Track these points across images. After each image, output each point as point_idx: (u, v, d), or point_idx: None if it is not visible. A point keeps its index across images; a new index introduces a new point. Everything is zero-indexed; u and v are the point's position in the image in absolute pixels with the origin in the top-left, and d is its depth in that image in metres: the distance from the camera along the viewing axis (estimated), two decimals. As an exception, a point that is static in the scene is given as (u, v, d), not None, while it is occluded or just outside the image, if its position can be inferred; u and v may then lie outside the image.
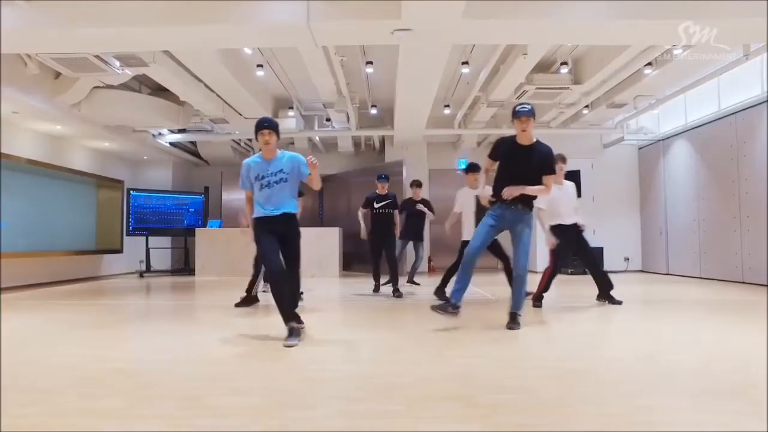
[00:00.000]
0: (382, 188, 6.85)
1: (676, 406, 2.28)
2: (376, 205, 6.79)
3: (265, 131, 3.88)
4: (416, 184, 7.67)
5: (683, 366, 2.96)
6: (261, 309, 5.42)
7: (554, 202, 5.53)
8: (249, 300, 5.60)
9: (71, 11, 5.00)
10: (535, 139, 4.13)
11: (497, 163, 4.24)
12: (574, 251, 5.81)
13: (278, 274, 3.66)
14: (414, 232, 7.76)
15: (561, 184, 5.61)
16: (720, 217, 8.57)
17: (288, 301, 3.68)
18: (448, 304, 3.97)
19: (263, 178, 3.84)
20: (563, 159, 5.69)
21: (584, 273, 10.32)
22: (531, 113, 4.03)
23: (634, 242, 11.01)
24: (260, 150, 3.98)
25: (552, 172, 4.15)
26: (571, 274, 9.58)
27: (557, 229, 5.60)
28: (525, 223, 4.11)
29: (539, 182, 4.10)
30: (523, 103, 4.13)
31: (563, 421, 2.10)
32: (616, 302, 5.55)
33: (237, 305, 5.51)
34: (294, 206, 3.91)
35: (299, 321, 3.63)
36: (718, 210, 8.62)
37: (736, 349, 3.43)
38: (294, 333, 3.58)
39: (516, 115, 4.07)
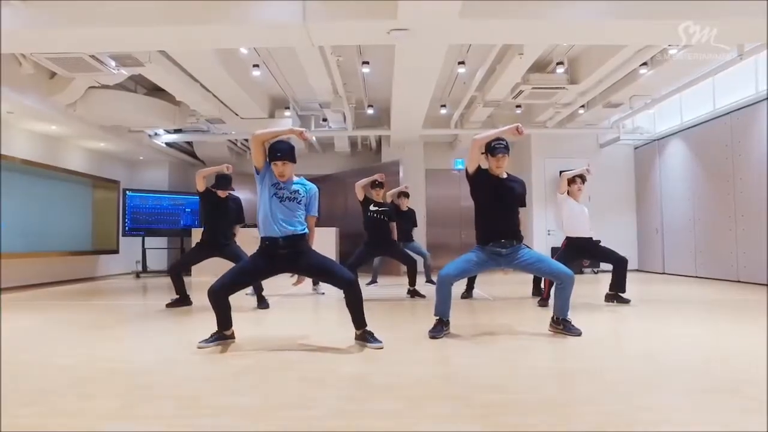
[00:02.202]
0: (377, 194, 6.56)
1: (675, 405, 2.29)
2: (372, 208, 6.44)
3: (279, 162, 3.51)
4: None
5: (683, 365, 2.97)
6: (257, 310, 5.41)
7: (573, 217, 5.69)
8: (181, 301, 5.67)
9: (66, 11, 4.97)
10: (505, 173, 4.00)
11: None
12: (594, 257, 5.84)
13: (214, 296, 3.48)
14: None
15: (576, 200, 5.73)
16: (715, 217, 8.61)
17: (220, 312, 3.57)
18: (442, 325, 3.87)
19: (281, 188, 3.54)
20: (583, 179, 5.77)
21: (581, 273, 10.41)
22: (507, 150, 3.89)
23: (630, 241, 11.04)
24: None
25: (524, 205, 4.08)
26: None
27: (573, 241, 5.70)
28: (523, 248, 3.92)
29: (518, 213, 4.00)
30: (498, 140, 3.88)
31: (563, 420, 2.10)
32: (624, 301, 5.59)
33: (168, 305, 5.62)
34: (303, 227, 3.59)
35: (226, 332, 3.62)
36: (714, 209, 8.66)
37: (735, 349, 3.44)
38: (219, 337, 3.57)
39: (493, 152, 3.85)
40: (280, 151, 3.54)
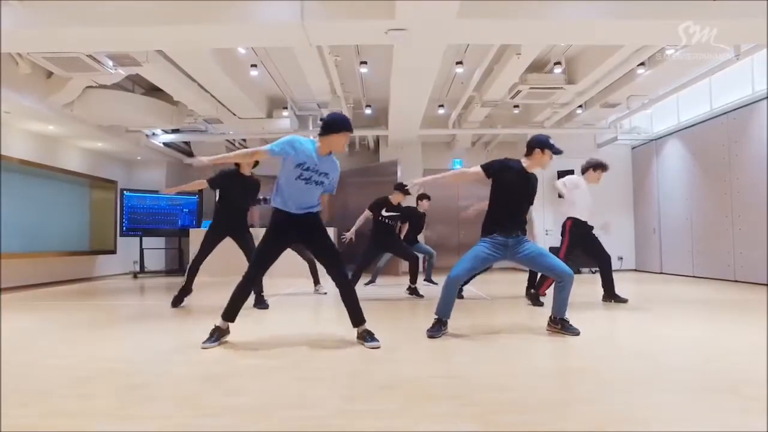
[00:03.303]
0: (395, 198, 6.49)
1: (675, 404, 2.29)
2: (384, 213, 6.46)
3: (349, 134, 3.65)
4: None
5: (682, 365, 2.98)
6: (255, 310, 5.41)
7: (579, 197, 5.65)
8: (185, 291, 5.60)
9: (64, 10, 4.97)
10: None
11: (481, 177, 3.98)
12: (586, 249, 5.80)
13: (248, 281, 3.61)
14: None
15: (595, 183, 5.78)
16: (712, 216, 8.64)
17: (236, 303, 3.66)
18: (441, 325, 3.84)
19: (309, 170, 3.56)
20: (604, 167, 5.79)
21: (578, 272, 10.42)
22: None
23: (627, 241, 11.07)
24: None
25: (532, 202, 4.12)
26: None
27: (574, 222, 5.66)
28: (525, 240, 3.95)
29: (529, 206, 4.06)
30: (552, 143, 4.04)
31: (561, 419, 2.11)
32: (621, 300, 5.58)
33: (173, 305, 5.55)
34: (318, 205, 3.75)
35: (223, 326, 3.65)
36: (711, 209, 8.68)
37: (734, 348, 3.44)
38: (219, 335, 3.59)
39: (556, 152, 3.99)
40: (350, 124, 3.67)
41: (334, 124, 3.59)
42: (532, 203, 4.11)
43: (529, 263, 4.00)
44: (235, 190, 5.56)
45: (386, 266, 8.33)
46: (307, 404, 2.32)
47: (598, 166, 5.76)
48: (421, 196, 7.78)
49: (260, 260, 3.68)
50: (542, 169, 4.04)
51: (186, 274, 5.62)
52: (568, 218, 5.70)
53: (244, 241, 5.49)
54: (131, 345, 3.92)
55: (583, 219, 5.67)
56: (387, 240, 6.54)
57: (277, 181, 3.64)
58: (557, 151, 4.01)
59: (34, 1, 4.93)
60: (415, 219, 7.51)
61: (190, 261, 5.74)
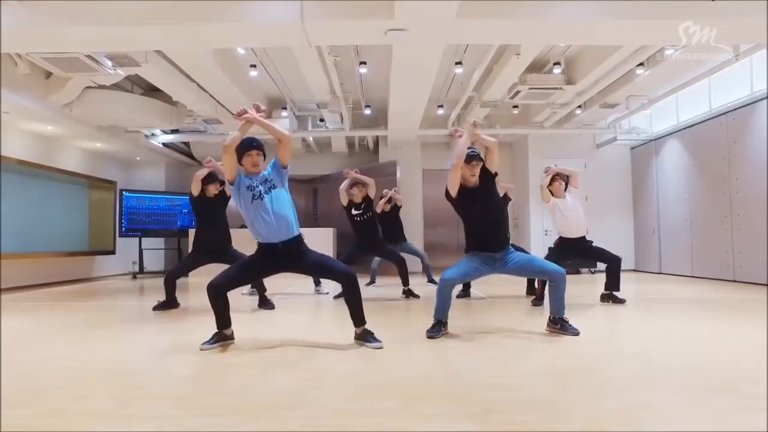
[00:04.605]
0: (360, 191, 6.45)
1: (674, 403, 2.29)
2: (353, 212, 6.45)
3: (254, 152, 3.57)
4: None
5: (681, 364, 2.98)
6: (251, 311, 5.41)
7: (564, 217, 5.60)
8: (168, 304, 5.50)
9: (63, 11, 4.95)
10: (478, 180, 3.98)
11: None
12: (594, 259, 5.74)
13: (213, 292, 3.49)
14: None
15: (561, 197, 5.62)
16: (711, 216, 8.64)
17: (218, 309, 3.56)
18: (440, 326, 3.84)
19: (253, 189, 3.50)
20: (561, 176, 5.66)
21: (577, 273, 10.42)
22: (481, 158, 3.90)
23: (626, 241, 11.06)
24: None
25: (509, 199, 4.04)
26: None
27: (565, 241, 5.65)
28: (514, 252, 3.98)
29: (505, 211, 4.00)
30: (471, 148, 3.92)
31: (558, 418, 2.11)
32: (619, 301, 5.55)
33: (155, 308, 5.46)
34: (295, 224, 3.56)
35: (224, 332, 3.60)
36: (710, 209, 8.69)
37: (733, 348, 3.45)
38: (220, 338, 3.55)
39: (468, 160, 3.85)
40: (255, 141, 3.59)
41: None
42: (501, 209, 4.05)
43: (520, 271, 4.03)
44: (205, 212, 5.56)
45: (380, 267, 8.26)
46: (307, 404, 2.31)
47: (553, 180, 5.61)
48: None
49: (234, 275, 3.61)
50: (470, 180, 3.91)
51: (166, 288, 5.52)
52: (558, 237, 5.75)
53: (229, 260, 5.31)
54: (131, 345, 3.92)
55: (572, 236, 5.62)
56: (368, 242, 6.55)
57: (245, 218, 3.59)
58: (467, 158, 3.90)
59: (34, 1, 4.92)
60: (385, 217, 7.38)
61: (165, 275, 5.68)
